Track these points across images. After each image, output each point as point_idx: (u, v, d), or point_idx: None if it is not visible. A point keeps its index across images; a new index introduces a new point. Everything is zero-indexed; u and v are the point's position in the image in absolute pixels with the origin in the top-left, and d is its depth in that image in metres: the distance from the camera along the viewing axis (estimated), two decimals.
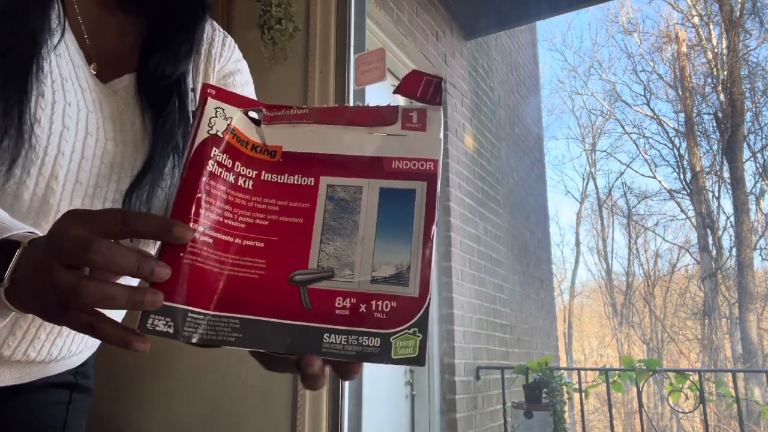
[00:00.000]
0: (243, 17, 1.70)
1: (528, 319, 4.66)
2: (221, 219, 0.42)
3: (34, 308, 0.42)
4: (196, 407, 1.53)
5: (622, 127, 11.77)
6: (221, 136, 0.43)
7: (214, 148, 0.42)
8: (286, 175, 0.44)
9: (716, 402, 7.23)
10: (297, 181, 0.44)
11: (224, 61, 0.74)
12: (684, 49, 10.41)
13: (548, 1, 3.81)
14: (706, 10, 10.21)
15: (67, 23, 0.59)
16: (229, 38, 0.78)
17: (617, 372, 3.44)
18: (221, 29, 0.77)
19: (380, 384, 2.66)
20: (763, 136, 9.41)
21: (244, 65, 0.79)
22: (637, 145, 11.45)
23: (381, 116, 0.45)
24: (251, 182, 0.44)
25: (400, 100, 0.51)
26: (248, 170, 0.44)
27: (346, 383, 1.47)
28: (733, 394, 3.31)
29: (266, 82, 1.59)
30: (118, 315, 0.76)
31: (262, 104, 0.47)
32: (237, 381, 1.50)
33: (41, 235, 0.45)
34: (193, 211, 0.40)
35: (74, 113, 0.57)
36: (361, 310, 0.40)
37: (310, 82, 1.55)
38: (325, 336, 0.40)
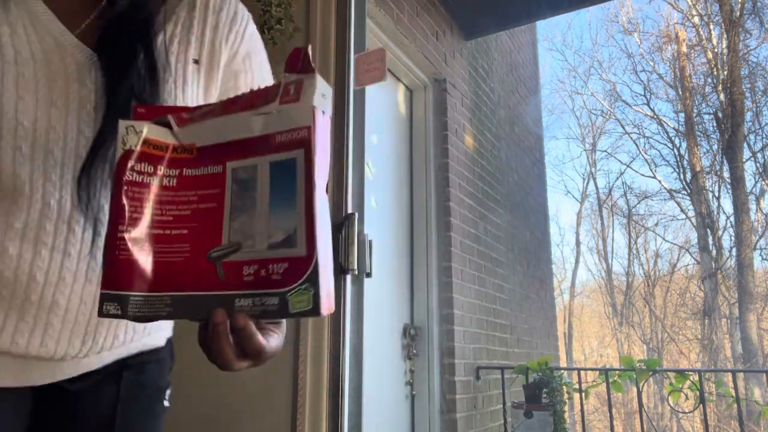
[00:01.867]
0: None
1: (528, 319, 4.66)
2: (151, 216, 0.49)
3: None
4: (196, 407, 1.53)
5: (622, 127, 11.79)
6: (134, 149, 0.50)
7: (129, 161, 0.49)
8: (202, 167, 0.50)
9: (716, 402, 7.23)
10: (210, 170, 0.50)
11: (237, 39, 0.70)
12: (684, 49, 10.41)
13: (548, 1, 3.81)
14: (706, 10, 10.21)
15: None
16: (242, 9, 0.73)
17: (617, 372, 3.45)
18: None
19: (380, 384, 2.67)
20: (763, 135, 9.41)
21: (257, 42, 0.74)
22: (637, 145, 11.46)
23: (266, 96, 0.49)
24: (175, 180, 0.50)
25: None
26: (171, 170, 0.51)
27: (347, 382, 1.46)
28: (733, 394, 3.31)
29: None
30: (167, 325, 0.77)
31: (177, 108, 0.54)
32: (237, 381, 1.50)
33: None
34: (121, 218, 0.48)
35: (31, 79, 0.56)
36: (261, 274, 0.46)
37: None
38: (236, 301, 0.46)
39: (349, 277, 1.42)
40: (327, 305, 0.45)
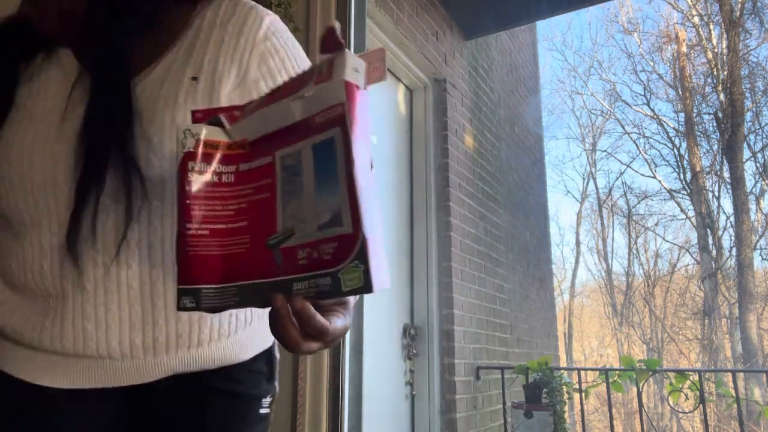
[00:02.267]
0: None
1: (528, 319, 4.66)
2: (212, 213, 0.52)
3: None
4: None
5: (622, 127, 11.78)
6: (193, 150, 0.52)
7: (189, 162, 0.52)
8: (254, 160, 0.52)
9: (716, 402, 7.23)
10: (262, 162, 0.52)
11: (247, 48, 0.68)
12: (684, 48, 10.41)
13: (548, 1, 3.81)
14: (706, 10, 10.21)
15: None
16: (254, 13, 0.70)
17: (617, 372, 3.44)
18: (247, 6, 0.70)
19: (380, 384, 2.67)
20: (763, 135, 9.41)
21: (274, 42, 0.71)
22: (637, 145, 11.46)
23: (303, 80, 0.50)
24: (233, 176, 0.53)
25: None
26: (228, 167, 0.53)
27: (347, 382, 1.47)
28: (733, 394, 3.31)
29: None
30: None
31: (233, 107, 0.56)
32: None
33: None
34: (187, 217, 0.51)
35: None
36: (314, 256, 0.47)
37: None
38: (294, 285, 0.48)
39: None
40: (379, 281, 0.45)
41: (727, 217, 9.71)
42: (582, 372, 4.00)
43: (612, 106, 12.08)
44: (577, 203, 12.80)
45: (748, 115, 9.41)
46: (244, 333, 0.74)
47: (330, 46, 0.48)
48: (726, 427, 8.85)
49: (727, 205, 11.89)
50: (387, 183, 2.94)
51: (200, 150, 0.52)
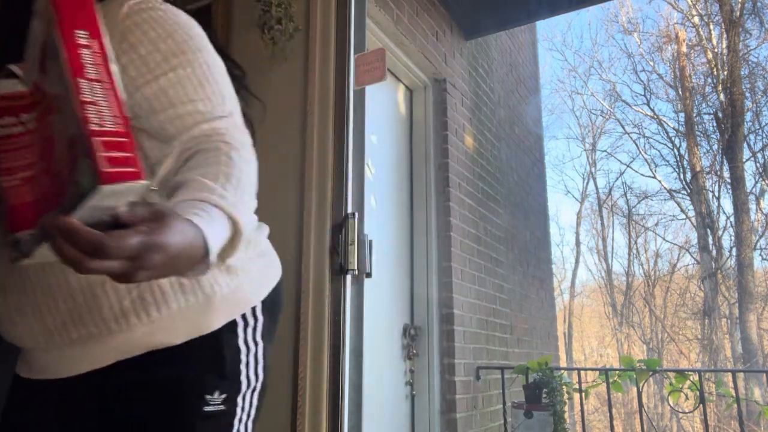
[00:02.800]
0: (243, 17, 1.70)
1: (528, 319, 4.66)
2: (20, 163, 0.53)
3: None
4: None
5: (622, 127, 11.78)
6: None
7: None
8: (40, 102, 0.54)
9: (716, 402, 7.23)
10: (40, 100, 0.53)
11: (113, 24, 0.69)
12: (684, 48, 10.41)
13: (548, 1, 3.81)
14: (706, 10, 10.21)
15: None
16: (118, 1, 0.72)
17: (617, 372, 3.44)
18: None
19: (380, 384, 2.67)
20: (763, 135, 9.41)
21: (136, 18, 0.72)
22: (637, 145, 11.45)
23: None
24: (35, 122, 0.53)
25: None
26: (29, 115, 0.53)
27: (347, 382, 1.47)
28: (733, 394, 3.31)
29: (266, 82, 1.59)
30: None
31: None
32: None
33: None
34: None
35: None
36: (74, 149, 0.49)
37: (310, 82, 1.54)
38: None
39: (349, 277, 1.42)
40: (116, 173, 0.46)
41: (727, 217, 9.71)
42: (582, 372, 4.00)
43: (612, 106, 12.08)
44: (577, 203, 12.80)
45: (748, 115, 9.41)
46: (161, 318, 0.70)
47: None
48: (726, 427, 8.85)
49: (727, 205, 11.88)
50: (387, 183, 2.93)
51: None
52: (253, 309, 0.78)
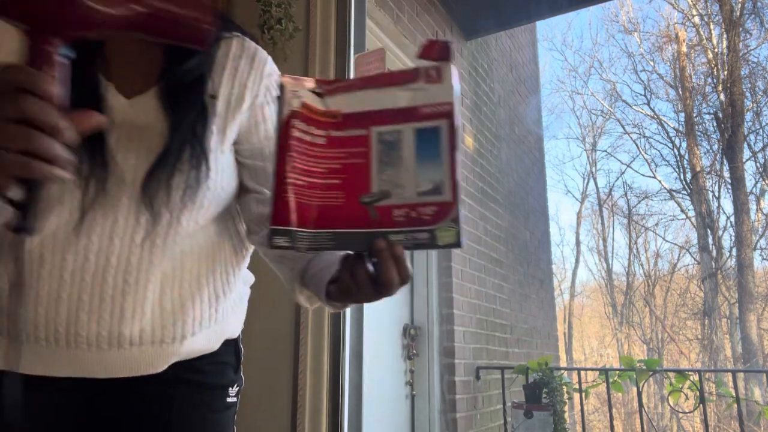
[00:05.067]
0: (243, 17, 1.70)
1: (528, 319, 4.66)
2: (308, 168, 0.60)
3: None
4: None
5: (623, 126, 11.77)
6: (298, 110, 0.61)
7: (293, 120, 0.61)
8: (347, 130, 0.61)
9: (716, 402, 7.23)
10: (354, 133, 0.61)
11: (254, 87, 0.80)
12: (684, 48, 10.41)
13: (548, 1, 3.81)
14: (706, 10, 10.21)
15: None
16: (260, 61, 0.83)
17: (617, 372, 3.44)
18: (252, 47, 0.83)
19: (380, 384, 2.67)
20: (764, 135, 9.40)
21: (276, 78, 0.84)
22: (637, 145, 11.44)
23: (408, 76, 0.60)
24: (324, 139, 0.61)
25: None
26: (320, 131, 0.62)
27: (347, 382, 1.47)
28: (733, 394, 3.31)
29: None
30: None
31: (320, 81, 0.64)
32: None
33: None
34: (287, 166, 0.59)
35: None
36: (412, 215, 0.58)
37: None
38: (390, 236, 0.58)
39: None
40: (464, 240, 0.58)
41: (727, 217, 9.71)
42: (582, 372, 4.01)
43: (612, 106, 12.07)
44: (577, 203, 12.80)
45: (748, 115, 9.40)
46: (216, 327, 0.80)
47: (440, 55, 0.60)
48: (726, 427, 8.86)
49: (727, 205, 11.88)
50: None
51: (303, 111, 0.61)
52: None
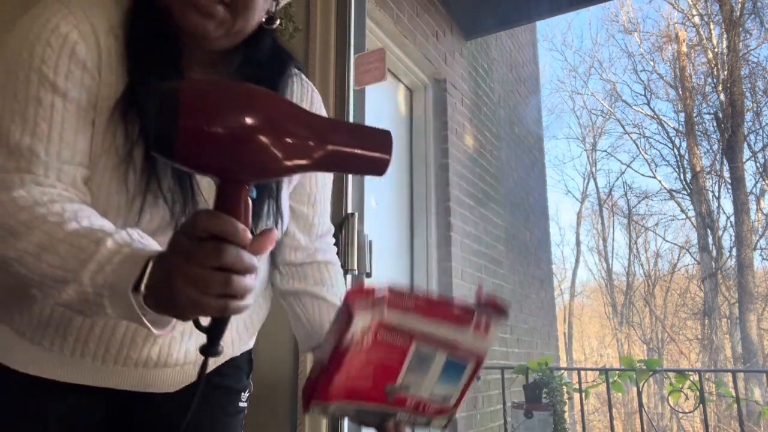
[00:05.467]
0: None
1: (528, 319, 4.66)
2: (351, 363, 0.69)
3: (169, 308, 0.52)
4: None
5: (623, 126, 11.78)
6: (359, 335, 0.68)
7: (353, 340, 0.69)
8: (393, 337, 0.71)
9: (716, 402, 7.23)
10: (399, 341, 0.71)
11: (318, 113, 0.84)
12: (684, 48, 10.42)
13: (548, 1, 3.81)
14: (706, 10, 10.22)
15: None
16: (314, 101, 0.88)
17: (617, 372, 3.44)
18: (310, 89, 0.88)
19: None
20: (764, 135, 9.41)
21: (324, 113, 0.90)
22: (637, 145, 11.46)
23: (463, 320, 0.70)
24: (371, 339, 0.69)
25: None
26: (371, 334, 0.69)
27: None
28: (733, 394, 3.31)
29: None
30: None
31: (390, 297, 0.70)
32: None
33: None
34: (337, 367, 0.68)
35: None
36: (420, 407, 0.73)
37: (310, 82, 1.54)
38: (398, 414, 0.73)
39: (349, 278, 1.42)
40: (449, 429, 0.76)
41: (727, 217, 9.72)
42: (582, 372, 4.01)
43: (612, 106, 12.09)
44: (578, 203, 12.82)
45: (748, 115, 9.41)
46: (246, 337, 0.85)
47: (496, 314, 0.70)
48: (726, 427, 8.86)
49: (727, 205, 11.89)
50: (387, 183, 2.94)
51: (361, 332, 0.69)
52: None
